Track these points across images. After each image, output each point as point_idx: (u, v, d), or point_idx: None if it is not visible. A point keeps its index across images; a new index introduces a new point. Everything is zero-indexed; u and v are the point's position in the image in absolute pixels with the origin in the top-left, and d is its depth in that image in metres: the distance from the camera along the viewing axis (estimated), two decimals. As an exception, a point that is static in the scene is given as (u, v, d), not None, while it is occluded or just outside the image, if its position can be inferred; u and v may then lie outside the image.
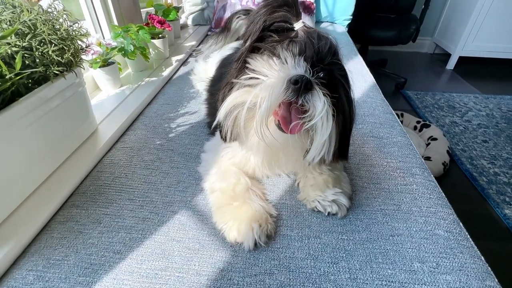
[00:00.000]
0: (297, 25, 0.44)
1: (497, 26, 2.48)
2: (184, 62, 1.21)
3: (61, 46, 0.55)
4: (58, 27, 0.56)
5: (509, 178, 1.50)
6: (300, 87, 0.38)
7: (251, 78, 0.43)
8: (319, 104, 0.39)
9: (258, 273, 0.44)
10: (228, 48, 0.90)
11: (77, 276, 0.43)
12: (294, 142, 0.45)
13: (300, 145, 0.45)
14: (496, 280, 0.44)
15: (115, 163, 0.65)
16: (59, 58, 0.54)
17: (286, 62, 0.41)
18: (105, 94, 0.90)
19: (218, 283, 0.43)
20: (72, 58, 0.57)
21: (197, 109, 0.86)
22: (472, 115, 2.03)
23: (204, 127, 0.77)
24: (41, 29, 0.51)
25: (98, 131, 0.73)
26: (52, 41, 0.53)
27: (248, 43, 0.45)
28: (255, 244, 0.47)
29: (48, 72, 0.53)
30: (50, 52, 0.53)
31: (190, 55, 1.28)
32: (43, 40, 0.52)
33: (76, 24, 0.60)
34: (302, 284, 0.43)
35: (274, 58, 0.42)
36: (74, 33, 0.58)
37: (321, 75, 0.41)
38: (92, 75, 0.89)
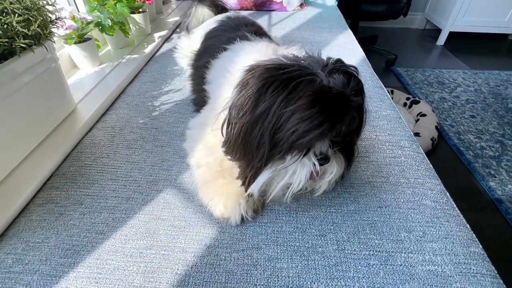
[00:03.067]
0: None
1: (487, 0, 2.45)
2: (167, 39, 1.16)
3: (26, 16, 0.50)
4: (21, -5, 0.51)
5: (495, 151, 1.53)
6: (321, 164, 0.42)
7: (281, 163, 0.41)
8: (332, 169, 0.44)
9: (246, 248, 0.44)
10: (213, 21, 0.86)
11: (58, 258, 0.42)
12: None
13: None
14: (481, 246, 0.45)
15: (96, 143, 0.63)
16: (25, 30, 0.50)
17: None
18: (83, 72, 0.86)
19: (205, 259, 0.42)
20: (40, 31, 0.53)
21: (182, 86, 0.83)
22: (461, 91, 2.04)
23: (189, 104, 0.75)
24: (1, -4, 0.47)
25: (77, 111, 0.69)
26: (16, 10, 0.49)
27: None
28: (242, 219, 0.46)
29: (13, 46, 0.49)
30: (14, 23, 0.48)
31: (174, 31, 1.22)
32: (5, 10, 0.48)
33: (43, -7, 0.55)
34: (290, 257, 0.42)
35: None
36: (40, 2, 0.53)
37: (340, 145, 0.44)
38: (68, 52, 0.84)
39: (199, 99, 0.67)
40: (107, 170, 0.56)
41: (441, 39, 2.68)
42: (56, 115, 0.64)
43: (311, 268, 0.41)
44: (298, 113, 0.36)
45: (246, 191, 0.44)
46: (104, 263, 0.41)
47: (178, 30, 1.24)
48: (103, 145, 0.62)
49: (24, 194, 0.50)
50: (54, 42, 0.60)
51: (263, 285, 0.39)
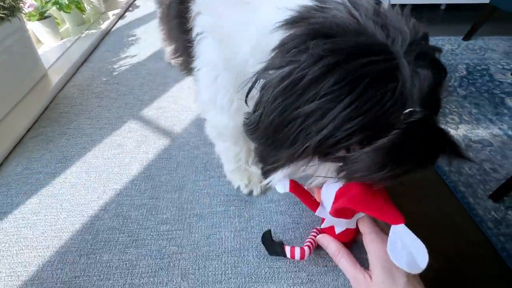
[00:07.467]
0: None
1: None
2: (121, 16, 1.29)
3: (1, -8, 0.65)
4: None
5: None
6: None
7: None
8: None
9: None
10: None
11: (55, 163, 0.60)
12: None
13: None
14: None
15: (69, 96, 0.79)
16: (1, 3, 0.64)
17: None
18: (48, 46, 0.99)
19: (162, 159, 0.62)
20: (14, 3, 0.67)
21: (137, 52, 0.99)
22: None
23: (144, 65, 0.92)
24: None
25: (48, 75, 0.84)
26: (-8, -12, 0.63)
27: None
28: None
29: (-6, 16, 0.64)
30: (-8, -2, 0.63)
31: (127, 10, 1.35)
32: (-17, -13, 0.62)
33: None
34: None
35: None
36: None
37: None
38: (31, 28, 0.96)
39: (182, 47, 0.54)
40: (82, 113, 0.73)
41: (379, 10, 2.97)
42: (32, 76, 0.79)
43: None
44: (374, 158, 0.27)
45: (265, 179, 0.38)
46: (89, 165, 0.60)
47: (130, 8, 1.37)
48: (75, 97, 0.78)
49: (17, 131, 0.66)
50: (25, 13, 0.74)
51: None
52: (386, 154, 0.26)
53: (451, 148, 0.28)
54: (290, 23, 0.30)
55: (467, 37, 2.32)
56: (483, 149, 1.45)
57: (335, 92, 0.26)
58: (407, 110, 0.25)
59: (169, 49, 0.84)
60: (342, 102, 0.25)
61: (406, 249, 0.30)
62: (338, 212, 0.37)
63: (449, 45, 2.69)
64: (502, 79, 1.96)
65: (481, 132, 1.56)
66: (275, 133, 0.31)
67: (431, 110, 0.27)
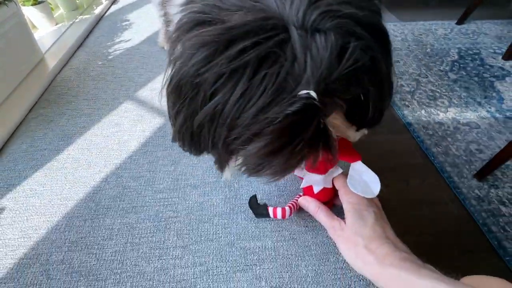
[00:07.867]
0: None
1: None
2: (114, 2, 1.30)
3: (-4, -23, 0.66)
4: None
5: (411, 88, 1.89)
6: None
7: None
8: None
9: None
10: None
11: (58, 141, 0.64)
12: None
13: None
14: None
15: (67, 79, 0.82)
16: (-2, -12, 0.67)
17: None
18: (43, 31, 1.01)
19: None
20: (9, -12, 0.69)
21: (131, 37, 1.01)
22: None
23: (138, 49, 0.95)
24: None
25: (45, 59, 0.87)
26: (-12, -28, 0.65)
27: None
28: None
29: (-9, 0, 0.66)
30: (-11, -18, 0.65)
31: (120, -5, 1.36)
32: (-20, -28, 0.64)
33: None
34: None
35: None
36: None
37: None
38: (26, 13, 0.98)
39: None
40: (80, 94, 0.77)
41: (374, -5, 2.95)
42: (29, 60, 0.82)
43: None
44: (261, 147, 0.24)
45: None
46: (89, 142, 0.64)
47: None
48: (73, 80, 0.81)
49: (19, 112, 0.70)
50: (20, -2, 0.76)
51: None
52: (264, 152, 0.23)
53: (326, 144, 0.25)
54: (185, 3, 0.27)
55: (460, 21, 2.34)
56: (471, 131, 1.50)
57: (218, 92, 0.23)
58: (297, 95, 0.21)
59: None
60: (227, 102, 0.22)
61: (363, 180, 0.37)
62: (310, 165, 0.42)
63: (442, 30, 2.70)
64: (492, 63, 1.99)
65: (470, 115, 1.61)
66: (191, 145, 0.29)
67: (333, 85, 0.22)
